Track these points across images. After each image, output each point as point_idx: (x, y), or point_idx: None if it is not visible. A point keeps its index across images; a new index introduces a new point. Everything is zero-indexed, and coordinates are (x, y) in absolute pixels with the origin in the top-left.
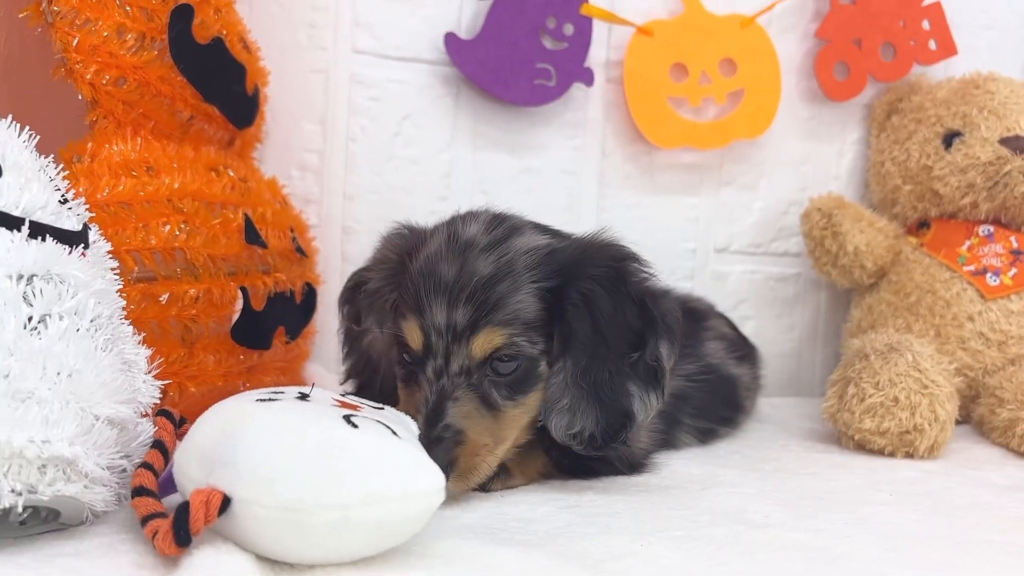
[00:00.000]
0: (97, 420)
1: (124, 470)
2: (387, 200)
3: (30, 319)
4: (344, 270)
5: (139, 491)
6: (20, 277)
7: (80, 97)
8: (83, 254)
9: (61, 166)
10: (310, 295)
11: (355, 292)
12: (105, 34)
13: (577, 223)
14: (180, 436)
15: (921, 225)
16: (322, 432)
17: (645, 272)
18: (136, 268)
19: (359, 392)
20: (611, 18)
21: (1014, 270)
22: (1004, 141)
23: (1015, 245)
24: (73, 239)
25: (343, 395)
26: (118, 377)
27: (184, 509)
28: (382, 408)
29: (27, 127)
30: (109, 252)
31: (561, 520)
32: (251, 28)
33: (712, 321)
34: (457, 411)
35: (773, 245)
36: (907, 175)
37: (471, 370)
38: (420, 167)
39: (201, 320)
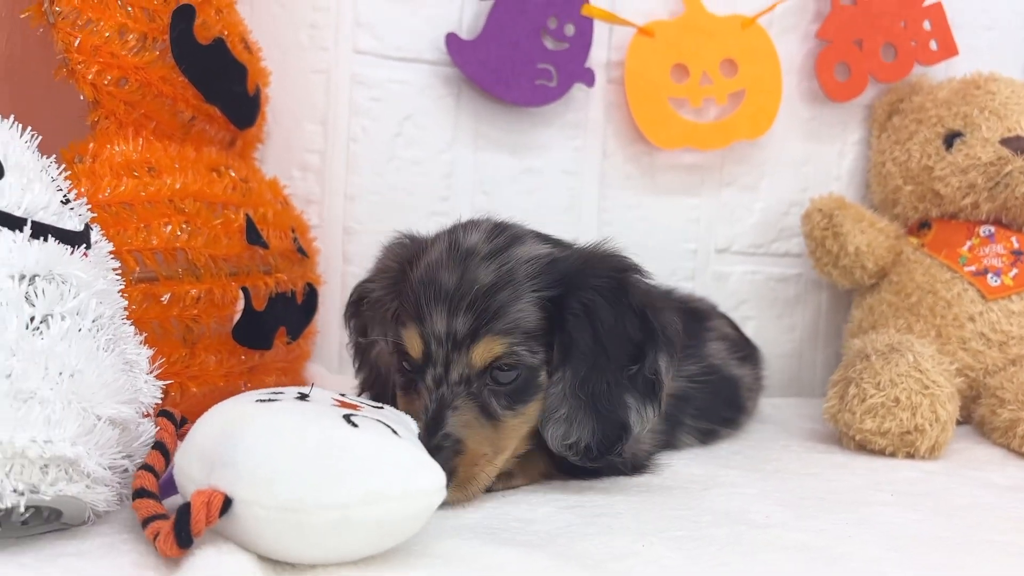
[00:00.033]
0: (99, 420)
1: (126, 470)
2: (388, 200)
3: (32, 319)
4: (345, 271)
5: (140, 493)
6: (22, 277)
7: (82, 97)
8: (85, 254)
9: (63, 166)
10: (311, 295)
11: (359, 305)
12: (107, 34)
13: (578, 224)
14: (181, 436)
15: (922, 225)
16: (322, 432)
17: (646, 283)
18: (138, 268)
19: None
20: (612, 19)
21: (1015, 270)
22: (1005, 141)
23: (1016, 245)
24: (75, 239)
25: (342, 394)
26: (120, 377)
27: (185, 510)
28: (382, 407)
29: (29, 127)
30: (111, 252)
31: (562, 520)
32: (252, 28)
33: (714, 321)
34: (457, 420)
35: (774, 246)
36: (908, 175)
37: (471, 379)
38: (421, 167)
39: (202, 320)
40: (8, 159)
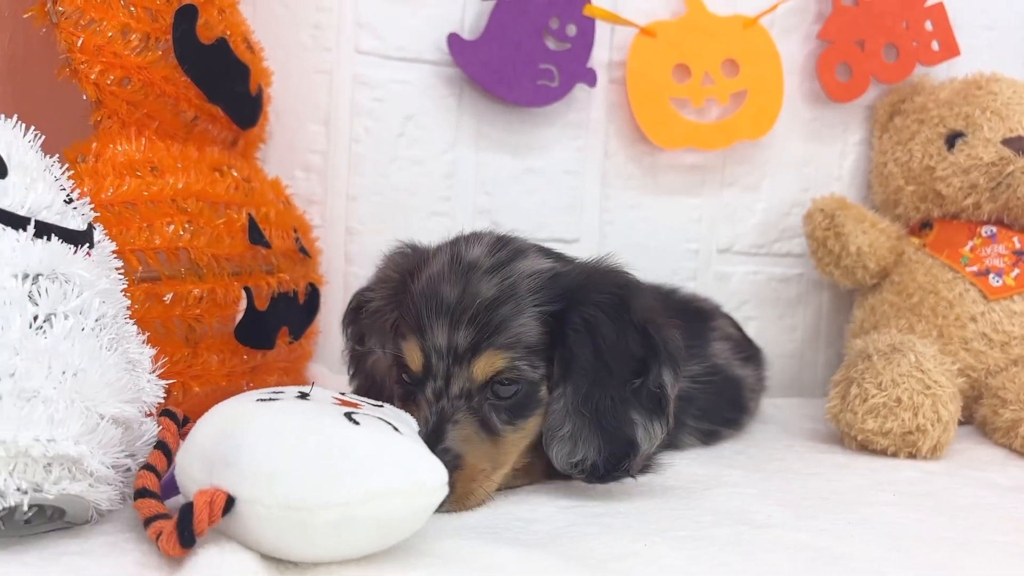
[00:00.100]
0: (102, 419)
1: (129, 469)
2: (390, 201)
3: (35, 318)
4: (347, 271)
5: (142, 493)
6: (26, 276)
7: (84, 97)
8: (88, 254)
9: (66, 166)
10: (313, 295)
11: (358, 312)
12: (110, 34)
13: (579, 224)
14: (183, 436)
15: (924, 226)
16: (323, 431)
17: (648, 299)
18: (140, 268)
19: None
20: (614, 19)
21: (1017, 271)
22: (1007, 142)
23: (1018, 246)
24: (78, 239)
25: (342, 393)
26: (123, 376)
27: (188, 510)
28: (382, 406)
29: (32, 127)
30: (114, 252)
31: (564, 520)
32: (255, 29)
33: (718, 321)
34: (457, 434)
35: (776, 246)
36: (910, 176)
37: (471, 393)
38: (423, 168)
39: (205, 320)
40: (11, 158)
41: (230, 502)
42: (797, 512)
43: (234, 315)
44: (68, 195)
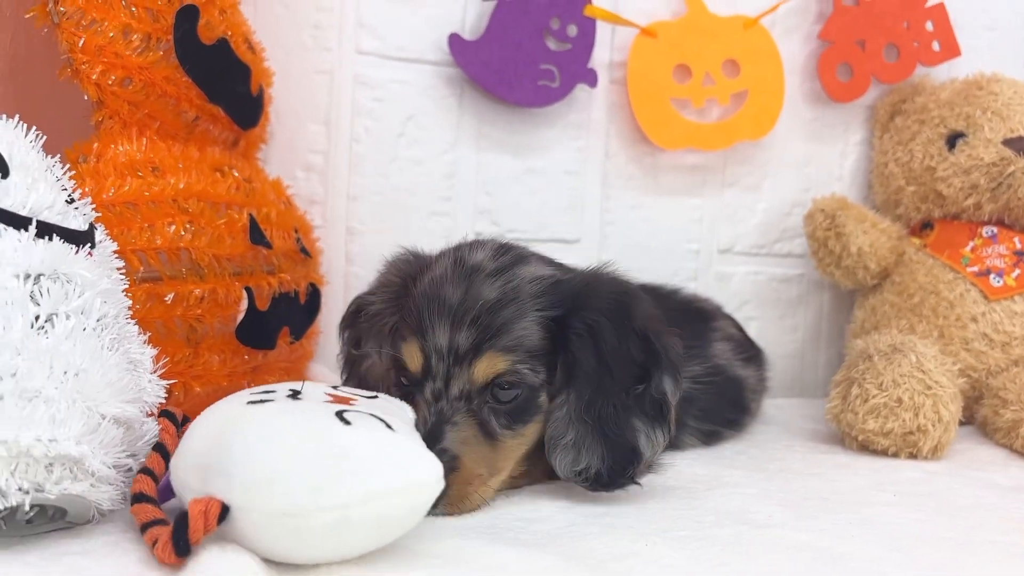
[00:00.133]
0: (103, 419)
1: (130, 469)
2: (391, 201)
3: (37, 318)
4: (348, 271)
5: (139, 497)
6: (27, 276)
7: (86, 97)
8: (89, 254)
9: (67, 166)
10: (314, 296)
11: (356, 316)
12: (111, 35)
13: (580, 224)
14: (183, 436)
15: (924, 226)
16: (315, 434)
17: (649, 306)
18: (141, 268)
19: None
20: (615, 19)
21: (1018, 271)
22: (1008, 142)
23: (1019, 246)
24: (80, 239)
25: (335, 387)
26: (124, 376)
27: (183, 519)
28: (376, 396)
29: (33, 127)
30: (115, 252)
31: (564, 520)
32: (256, 29)
33: (720, 322)
34: (455, 436)
35: (776, 246)
36: (910, 176)
37: (471, 395)
38: (424, 168)
39: (206, 320)
40: (13, 159)
41: (225, 510)
42: (798, 512)
43: (235, 315)
44: (69, 195)
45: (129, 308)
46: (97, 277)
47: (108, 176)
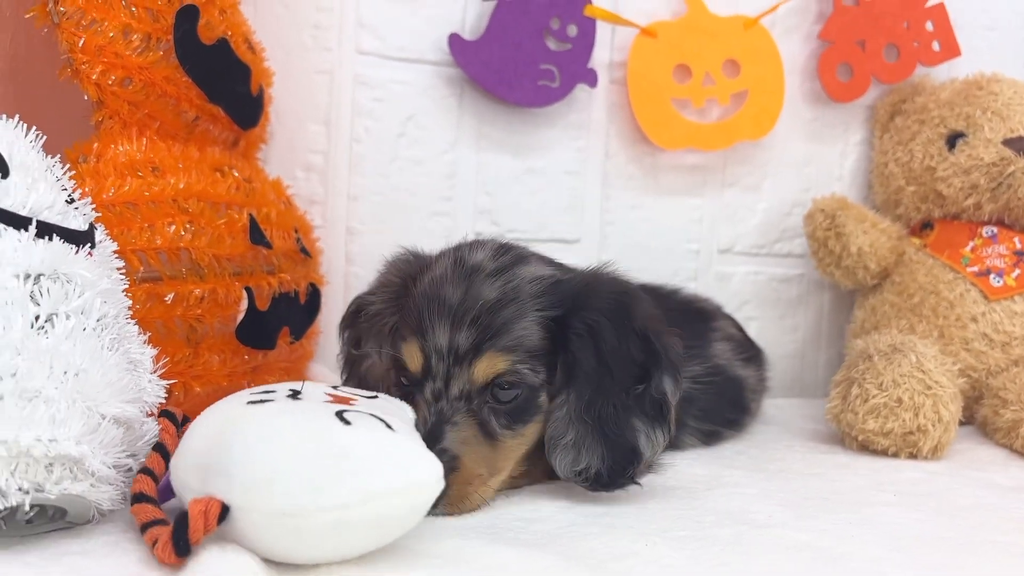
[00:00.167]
0: (103, 419)
1: (130, 469)
2: (391, 201)
3: (37, 318)
4: (348, 271)
5: (139, 497)
6: (27, 276)
7: (86, 97)
8: (90, 254)
9: (67, 166)
10: (314, 296)
11: (356, 316)
12: (111, 35)
13: (580, 224)
14: (183, 435)
15: (924, 226)
16: (315, 434)
17: (649, 307)
18: (142, 268)
19: None
20: (615, 19)
21: (1018, 271)
22: (1008, 142)
23: (1019, 246)
24: (80, 239)
25: (335, 387)
26: (124, 376)
27: (183, 519)
28: (376, 396)
29: (33, 127)
30: (115, 252)
31: (564, 520)
32: (256, 29)
33: (720, 322)
34: (455, 436)
35: (776, 246)
36: (910, 176)
37: (471, 395)
38: (424, 168)
39: (206, 320)
40: (13, 159)
41: (225, 510)
42: (798, 512)
43: (235, 315)
44: (69, 195)
45: (129, 308)
46: (97, 277)
47: (108, 176)
